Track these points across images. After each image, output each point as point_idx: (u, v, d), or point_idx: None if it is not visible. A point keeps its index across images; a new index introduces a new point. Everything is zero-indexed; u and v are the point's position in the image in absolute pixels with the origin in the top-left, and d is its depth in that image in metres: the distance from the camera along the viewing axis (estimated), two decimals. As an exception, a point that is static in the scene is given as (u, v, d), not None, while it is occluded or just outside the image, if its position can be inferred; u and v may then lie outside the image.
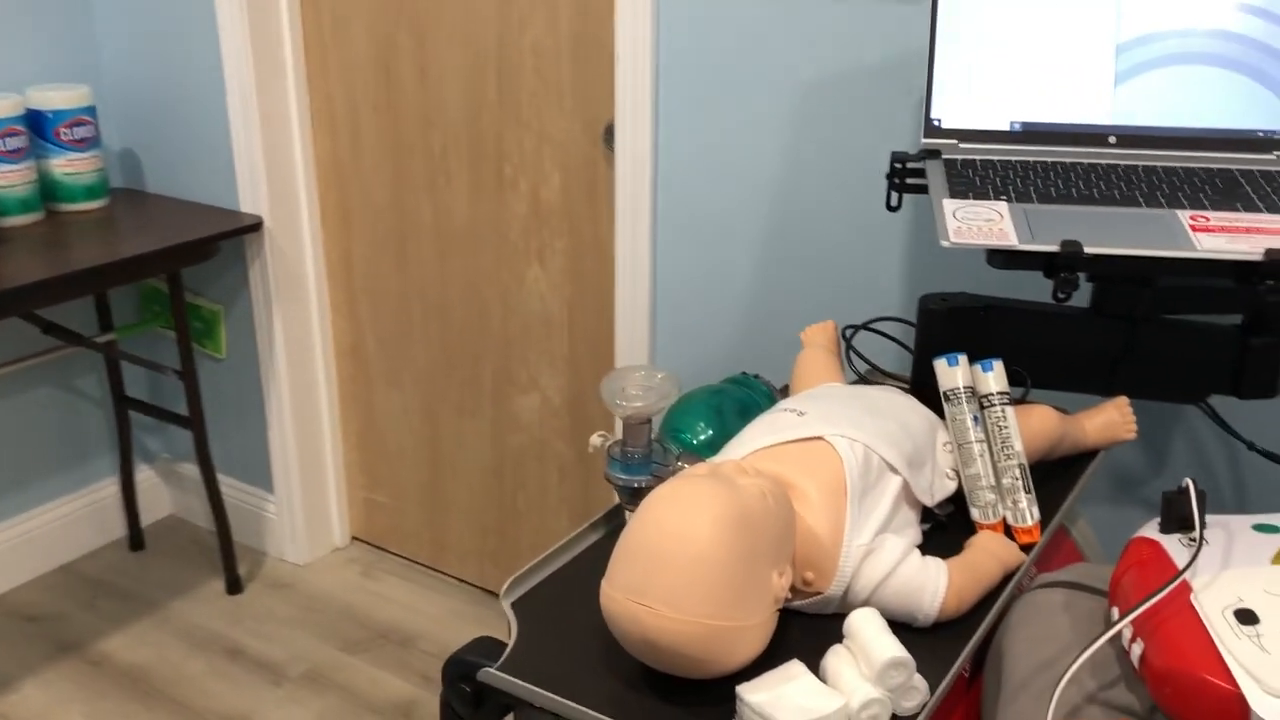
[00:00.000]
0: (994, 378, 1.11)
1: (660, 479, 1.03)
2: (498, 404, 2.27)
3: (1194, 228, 1.14)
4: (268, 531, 2.57)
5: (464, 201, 2.15)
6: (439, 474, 2.42)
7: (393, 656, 2.26)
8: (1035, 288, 1.54)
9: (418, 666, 2.22)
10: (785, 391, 1.29)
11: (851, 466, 0.98)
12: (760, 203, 1.73)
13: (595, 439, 1.08)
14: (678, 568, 0.84)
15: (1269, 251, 1.08)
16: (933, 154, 1.30)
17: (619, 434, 1.07)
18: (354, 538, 2.64)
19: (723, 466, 0.92)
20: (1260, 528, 0.94)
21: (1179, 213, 1.17)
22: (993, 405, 1.11)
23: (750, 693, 0.85)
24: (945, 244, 1.12)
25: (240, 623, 2.36)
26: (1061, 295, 1.11)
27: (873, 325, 1.43)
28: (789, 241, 1.73)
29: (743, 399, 1.16)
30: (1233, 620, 0.81)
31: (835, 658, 0.88)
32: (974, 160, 1.28)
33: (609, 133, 1.93)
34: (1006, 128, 1.31)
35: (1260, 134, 1.28)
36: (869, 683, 0.85)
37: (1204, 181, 1.22)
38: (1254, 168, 1.26)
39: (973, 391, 1.11)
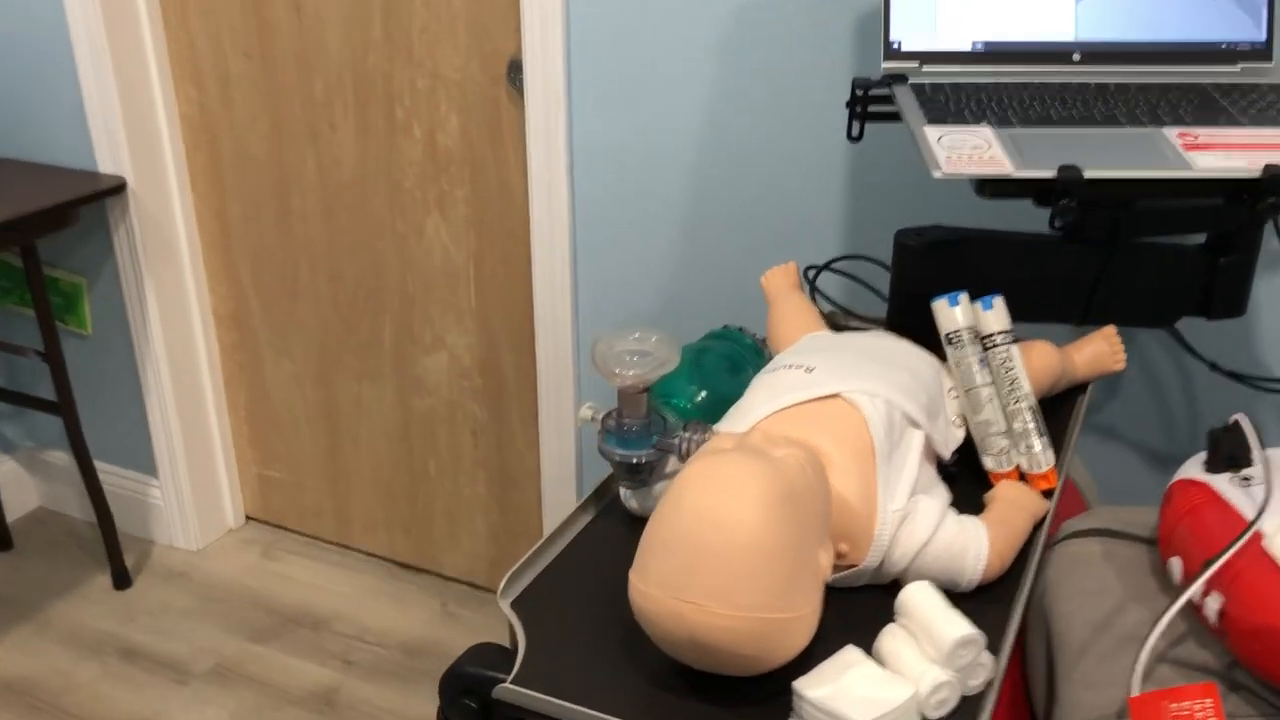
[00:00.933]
0: (995, 315, 1.05)
1: (664, 452, 0.93)
2: (401, 366, 2.13)
3: (1186, 146, 1.08)
4: (154, 518, 2.38)
5: (351, 150, 1.99)
6: (338, 444, 2.27)
7: (306, 641, 2.12)
8: (992, 217, 1.48)
9: (335, 649, 2.09)
10: (764, 344, 1.20)
11: (876, 425, 0.90)
12: (689, 139, 1.63)
13: (585, 411, 0.97)
14: (725, 559, 0.75)
15: (1268, 168, 1.04)
16: (898, 79, 1.22)
17: (597, 403, 0.97)
18: (249, 517, 2.47)
19: (750, 437, 0.83)
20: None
21: (1165, 130, 1.11)
22: (996, 345, 1.04)
23: (809, 688, 0.76)
24: (937, 175, 1.04)
25: (133, 619, 2.18)
26: (1059, 224, 1.05)
27: (835, 265, 1.36)
28: (723, 180, 1.63)
29: (730, 355, 1.07)
30: (1306, 564, 0.77)
31: (892, 639, 0.80)
32: (943, 84, 1.21)
33: (514, 69, 1.79)
34: (969, 48, 1.24)
35: (1223, 45, 1.24)
36: (935, 664, 0.77)
37: (1178, 97, 1.18)
38: (1222, 80, 1.22)
39: (975, 332, 1.04)
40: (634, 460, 0.93)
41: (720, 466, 0.78)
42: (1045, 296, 1.25)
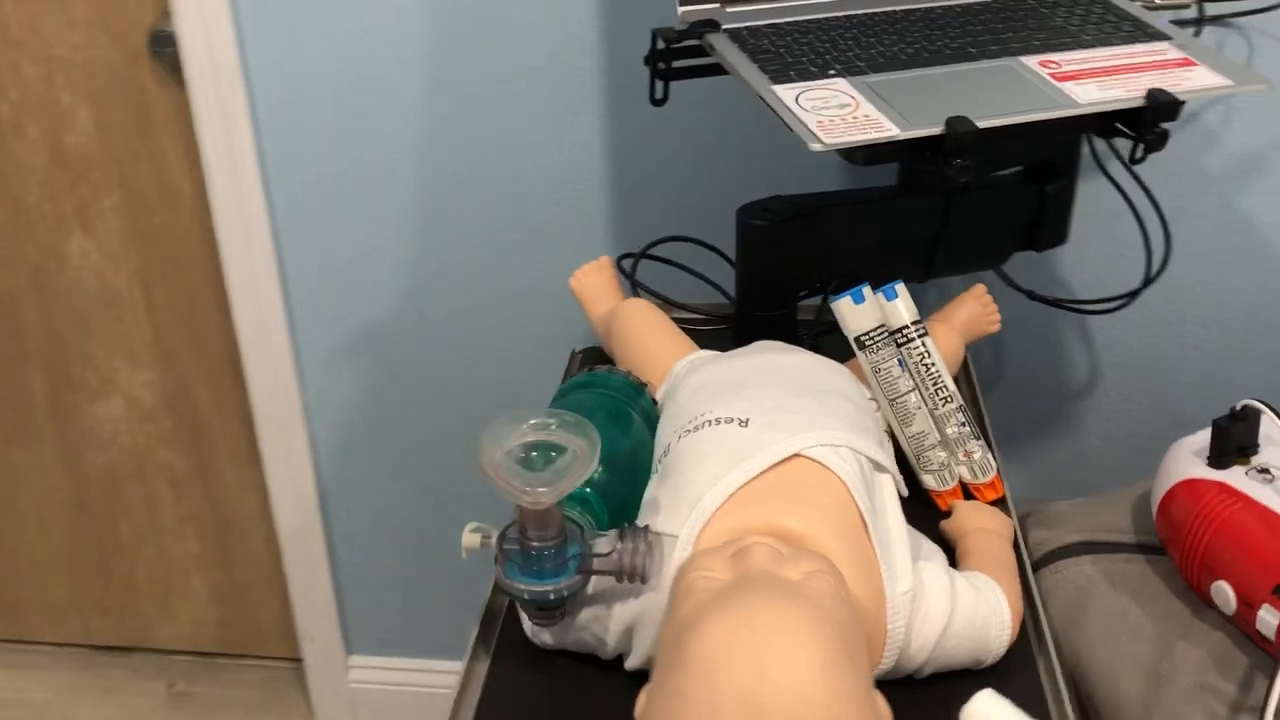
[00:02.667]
0: (903, 304, 0.89)
1: (587, 574, 0.70)
2: (62, 420, 1.72)
3: (1054, 77, 0.96)
4: None
5: (-57, 165, 1.54)
6: (-8, 524, 1.82)
7: (6, 777, 1.71)
8: (796, 179, 1.32)
9: (47, 777, 1.70)
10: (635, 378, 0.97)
11: (856, 486, 0.72)
12: (412, 99, 1.34)
13: (470, 537, 0.72)
14: None
15: (1151, 94, 0.93)
16: (709, 25, 1.02)
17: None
18: (-118, 634, 1.97)
19: (752, 557, 0.62)
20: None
21: (1024, 60, 0.99)
22: (911, 340, 0.88)
23: None
24: (817, 148, 0.86)
25: None
26: (961, 181, 0.90)
27: (652, 252, 1.15)
28: (467, 153, 1.36)
29: (609, 406, 0.84)
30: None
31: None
32: (760, 28, 1.02)
33: (158, 42, 1.42)
34: (768, -22, 1.05)
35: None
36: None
37: (1012, 19, 1.05)
38: (1042, -8, 1.10)
39: (886, 329, 0.88)
40: (550, 596, 0.70)
41: (754, 626, 0.57)
42: (890, 258, 1.11)
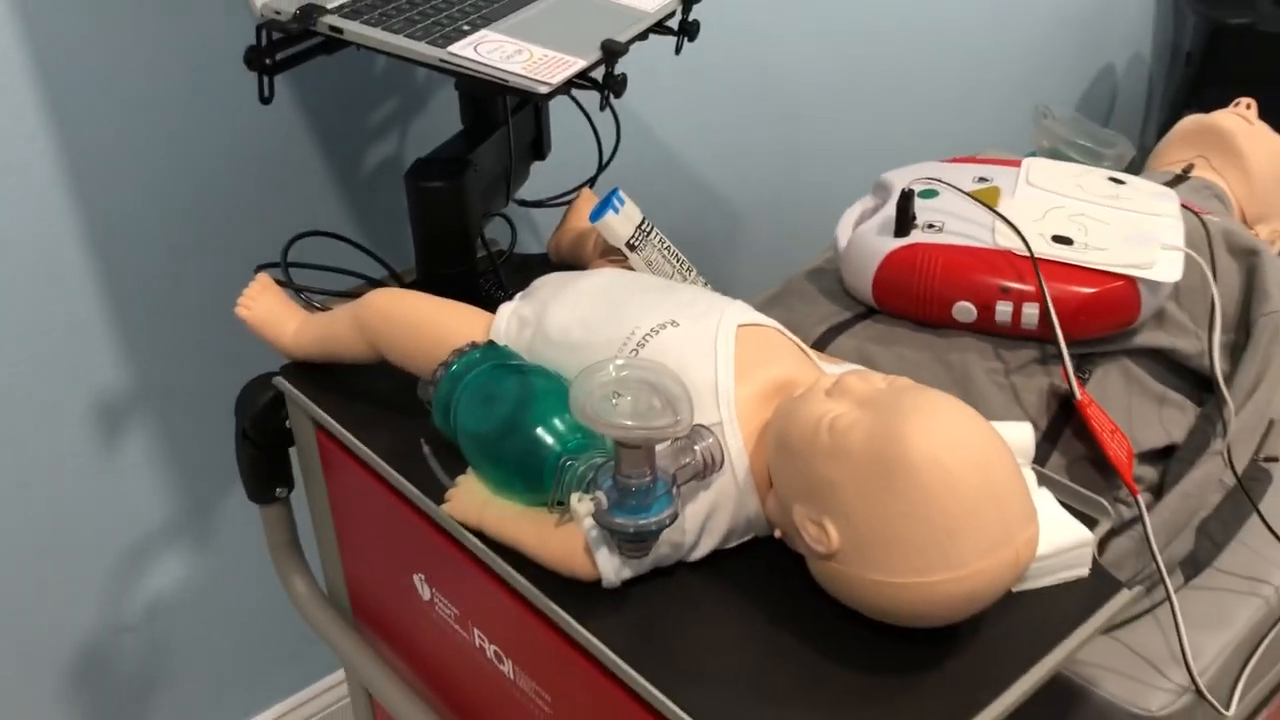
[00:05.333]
0: (631, 205, 1.01)
1: (679, 489, 0.75)
2: None
3: (613, -3, 1.13)
4: None
5: None
6: None
7: None
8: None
9: None
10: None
11: (785, 331, 0.87)
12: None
13: (585, 505, 0.71)
14: (1016, 474, 0.72)
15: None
16: (315, 10, 0.99)
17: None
18: None
19: (854, 383, 0.75)
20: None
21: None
22: (650, 231, 1.01)
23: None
24: (544, 90, 0.93)
25: None
26: (615, 98, 1.03)
27: (290, 261, 1.06)
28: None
29: (528, 369, 0.84)
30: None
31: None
32: (356, 4, 1.03)
33: None
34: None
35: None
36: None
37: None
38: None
39: (638, 228, 1.00)
40: (653, 527, 0.74)
41: (940, 415, 0.71)
42: (496, 190, 1.20)
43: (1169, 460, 1.06)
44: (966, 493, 0.69)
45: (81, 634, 1.36)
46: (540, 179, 1.53)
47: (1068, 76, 2.33)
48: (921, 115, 2.02)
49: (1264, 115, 1.44)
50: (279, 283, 1.04)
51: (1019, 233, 1.01)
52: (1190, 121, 1.45)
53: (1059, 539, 0.80)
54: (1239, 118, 1.43)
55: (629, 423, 0.70)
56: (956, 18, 1.99)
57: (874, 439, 0.71)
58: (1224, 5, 2.17)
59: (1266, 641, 1.07)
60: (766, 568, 0.82)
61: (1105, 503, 0.86)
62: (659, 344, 0.82)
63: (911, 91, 1.98)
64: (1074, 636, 0.78)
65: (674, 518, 0.75)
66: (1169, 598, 0.98)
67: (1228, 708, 1.04)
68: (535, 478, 0.80)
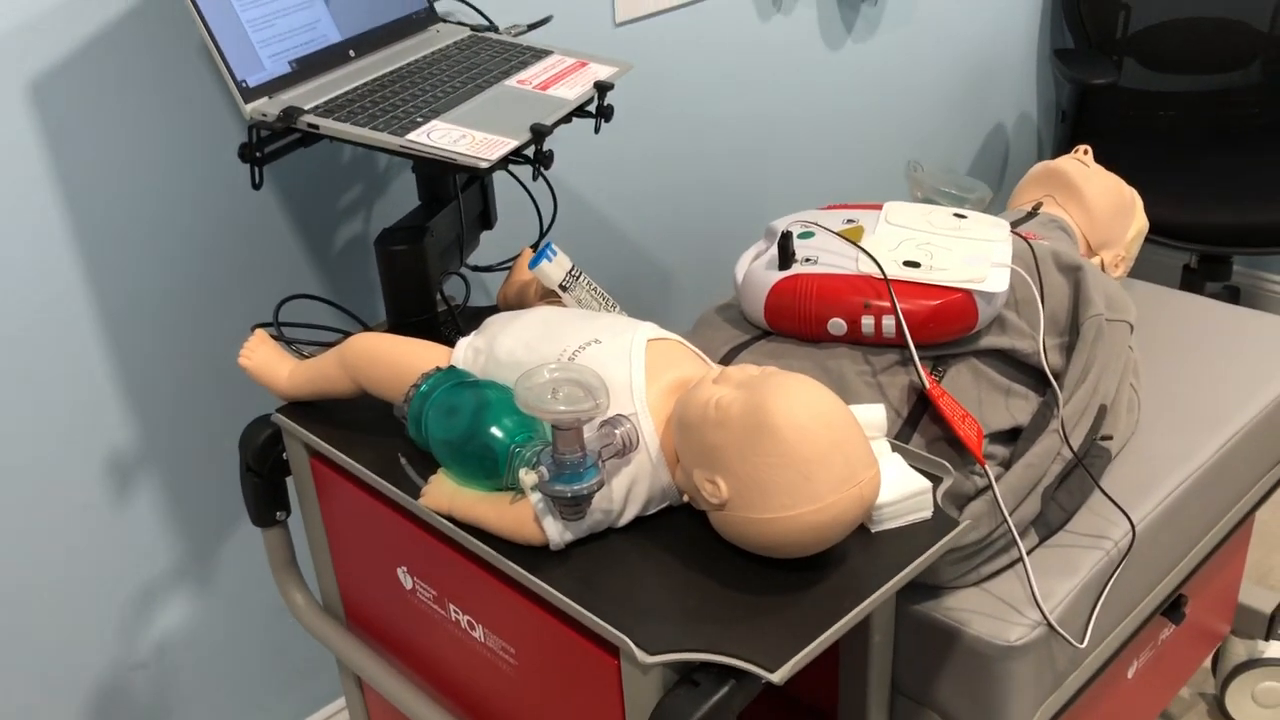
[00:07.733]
0: (563, 254, 1.24)
1: (604, 463, 0.96)
2: None
3: (539, 87, 1.36)
4: None
5: None
6: None
7: None
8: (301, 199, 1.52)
9: None
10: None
11: (687, 342, 1.10)
12: None
13: (530, 476, 0.93)
14: (855, 428, 0.94)
15: (599, 84, 1.39)
16: (295, 111, 1.22)
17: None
18: None
19: (732, 373, 0.97)
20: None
21: (508, 82, 1.37)
22: (579, 274, 1.24)
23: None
24: (485, 165, 1.16)
25: None
26: (545, 170, 1.26)
27: (282, 321, 1.28)
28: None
29: (475, 384, 1.06)
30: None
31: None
32: (329, 103, 1.25)
33: None
34: (288, 70, 1.28)
35: (413, 15, 1.49)
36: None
37: (463, 61, 1.41)
38: (457, 39, 1.47)
39: (569, 273, 1.23)
40: (585, 491, 0.96)
41: (798, 387, 0.93)
42: (451, 253, 1.43)
43: (1017, 440, 1.29)
44: (817, 443, 0.92)
45: (98, 671, 1.54)
46: (490, 247, 1.77)
47: (959, 135, 2.61)
48: (815, 177, 2.28)
49: (1128, 158, 1.70)
50: (273, 337, 1.26)
51: (876, 261, 1.25)
52: (1038, 167, 1.72)
53: (905, 488, 1.03)
54: (1078, 162, 1.69)
55: (562, 408, 0.92)
56: (848, 105, 2.26)
57: (747, 409, 0.94)
58: (1089, 67, 2.46)
59: (1110, 584, 1.29)
60: (678, 528, 1.04)
61: (946, 464, 1.09)
62: (586, 357, 1.05)
63: (804, 157, 2.24)
64: (922, 558, 1.00)
65: (601, 485, 0.96)
66: (1018, 548, 1.21)
67: (1081, 640, 1.26)
68: (492, 467, 1.02)
